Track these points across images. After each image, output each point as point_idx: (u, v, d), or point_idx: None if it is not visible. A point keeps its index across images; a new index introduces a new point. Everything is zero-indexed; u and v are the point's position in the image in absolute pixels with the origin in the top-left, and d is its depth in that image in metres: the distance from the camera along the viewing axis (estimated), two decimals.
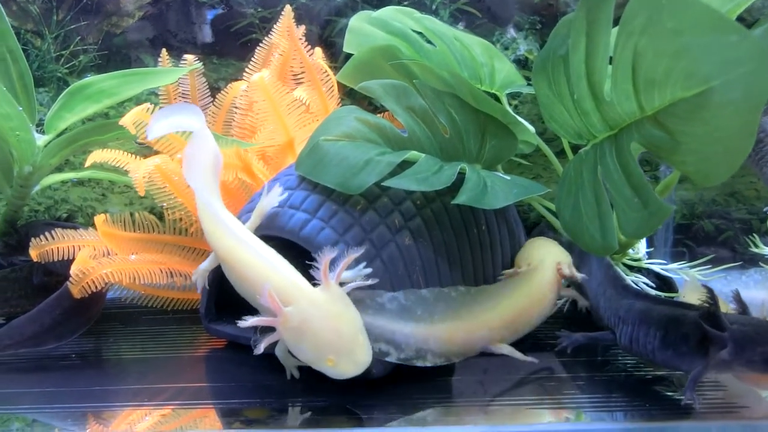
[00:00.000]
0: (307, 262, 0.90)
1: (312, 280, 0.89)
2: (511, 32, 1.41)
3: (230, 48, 1.45)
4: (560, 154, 1.22)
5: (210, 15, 1.44)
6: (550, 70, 0.94)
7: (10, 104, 1.14)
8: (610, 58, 0.86)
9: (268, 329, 0.89)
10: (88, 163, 1.18)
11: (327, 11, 1.42)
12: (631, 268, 1.19)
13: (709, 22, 0.74)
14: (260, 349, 0.87)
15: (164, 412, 0.94)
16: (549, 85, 0.95)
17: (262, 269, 0.91)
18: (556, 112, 0.97)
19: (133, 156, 1.16)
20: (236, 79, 1.33)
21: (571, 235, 0.95)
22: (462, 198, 0.96)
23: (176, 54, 1.37)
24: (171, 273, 1.16)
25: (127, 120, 1.12)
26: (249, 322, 0.86)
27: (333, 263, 0.88)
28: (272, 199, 0.99)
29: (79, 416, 0.93)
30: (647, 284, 1.15)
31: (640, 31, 0.78)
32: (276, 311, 0.86)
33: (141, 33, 1.44)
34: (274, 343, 0.92)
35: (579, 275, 1.07)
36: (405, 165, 0.98)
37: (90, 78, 1.24)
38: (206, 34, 1.45)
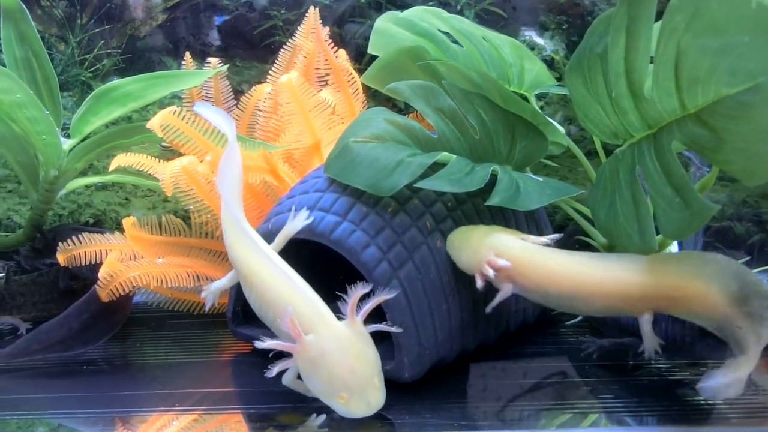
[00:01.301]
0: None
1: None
2: (533, 35, 1.40)
3: (253, 51, 1.44)
4: (586, 155, 1.20)
5: (232, 18, 1.44)
6: (586, 69, 0.93)
7: (36, 108, 1.14)
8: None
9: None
10: (112, 167, 1.18)
11: (349, 13, 1.42)
12: None
13: (754, 17, 0.72)
14: (273, 372, 0.85)
15: (192, 417, 0.93)
16: (584, 84, 0.94)
17: (287, 291, 0.88)
18: (591, 112, 0.96)
19: (157, 160, 1.16)
20: (259, 82, 1.33)
21: (606, 236, 0.93)
22: (495, 199, 0.94)
23: (199, 57, 1.37)
24: (197, 276, 1.15)
25: (155, 123, 1.11)
26: (266, 344, 0.84)
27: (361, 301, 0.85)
28: (298, 223, 0.96)
29: (107, 421, 0.92)
30: None
31: (684, 27, 0.76)
32: (296, 337, 0.84)
33: (164, 36, 1.44)
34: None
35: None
36: (435, 167, 0.97)
37: (116, 81, 1.24)
38: (229, 37, 1.45)
